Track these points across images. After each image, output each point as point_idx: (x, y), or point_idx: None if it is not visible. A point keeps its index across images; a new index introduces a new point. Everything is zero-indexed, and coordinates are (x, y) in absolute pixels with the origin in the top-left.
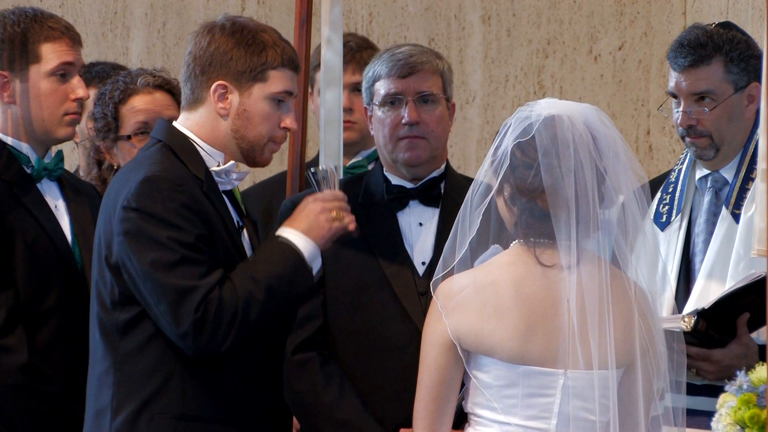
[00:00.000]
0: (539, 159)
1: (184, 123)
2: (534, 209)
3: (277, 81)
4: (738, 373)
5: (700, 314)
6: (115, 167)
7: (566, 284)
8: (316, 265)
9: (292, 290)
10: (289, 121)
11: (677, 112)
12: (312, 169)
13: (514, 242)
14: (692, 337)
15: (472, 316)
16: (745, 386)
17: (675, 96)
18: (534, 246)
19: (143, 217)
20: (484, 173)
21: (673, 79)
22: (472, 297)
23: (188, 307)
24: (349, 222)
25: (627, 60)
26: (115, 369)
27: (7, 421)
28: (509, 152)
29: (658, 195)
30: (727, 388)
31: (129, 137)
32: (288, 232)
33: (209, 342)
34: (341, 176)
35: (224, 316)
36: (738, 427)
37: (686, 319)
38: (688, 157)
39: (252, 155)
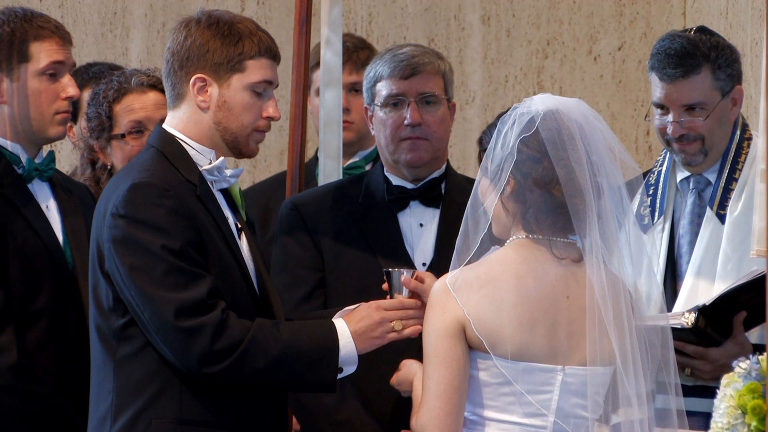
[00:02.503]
0: (548, 151)
1: (171, 123)
2: (548, 201)
3: (256, 71)
4: (750, 356)
5: (701, 311)
6: (109, 167)
7: (575, 278)
8: (348, 368)
9: (307, 372)
10: (271, 110)
11: (667, 122)
12: (388, 270)
13: (511, 238)
14: (691, 334)
15: (482, 310)
16: (753, 373)
17: (662, 106)
18: (549, 241)
19: (130, 224)
20: (488, 172)
21: (660, 90)
22: (482, 290)
23: (172, 317)
24: (411, 333)
25: (627, 60)
26: (114, 375)
27: None
28: (515, 148)
29: (638, 197)
30: (735, 367)
31: (123, 136)
32: (340, 324)
33: (200, 359)
34: (340, 176)
35: (221, 340)
36: (739, 412)
37: (686, 316)
38: (667, 159)
39: (237, 147)
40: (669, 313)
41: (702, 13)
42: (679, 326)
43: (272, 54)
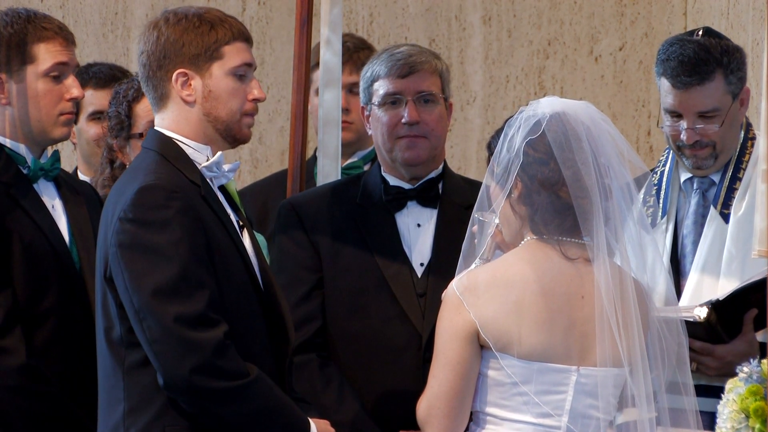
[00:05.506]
0: (555, 153)
1: (162, 124)
2: (555, 203)
3: (234, 55)
4: (750, 360)
5: (714, 305)
6: (127, 166)
7: (589, 278)
8: None
9: None
10: (256, 92)
11: (680, 128)
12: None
13: (525, 239)
14: (700, 329)
15: (492, 311)
16: (755, 376)
17: (675, 113)
18: (558, 242)
19: (139, 228)
20: (495, 176)
21: (674, 97)
22: (493, 292)
23: (175, 325)
24: None
25: (628, 61)
26: (124, 383)
27: (6, 423)
28: (521, 151)
29: (641, 197)
30: (738, 372)
31: (141, 135)
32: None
33: (193, 368)
34: (338, 176)
35: (224, 360)
36: (743, 416)
37: (698, 310)
38: (670, 159)
39: (231, 134)
40: (681, 306)
41: (703, 13)
42: (691, 319)
43: (245, 37)
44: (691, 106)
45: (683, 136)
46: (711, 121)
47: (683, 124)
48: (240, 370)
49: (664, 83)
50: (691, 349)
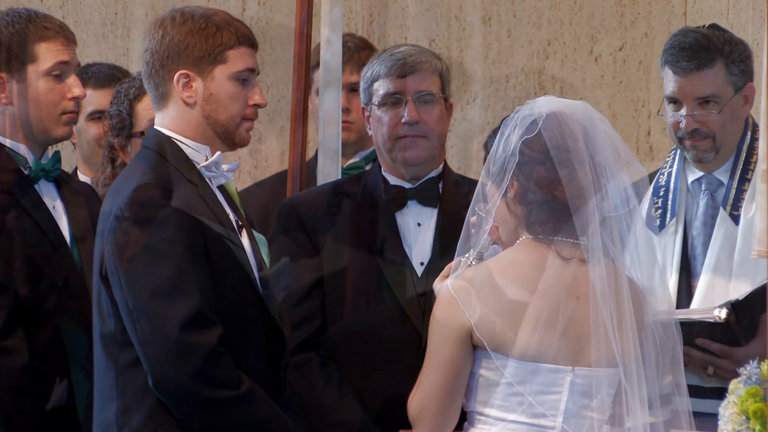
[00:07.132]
0: (551, 153)
1: (162, 123)
2: (550, 202)
3: (237, 60)
4: (750, 362)
5: (734, 305)
6: None
7: (584, 278)
8: None
9: None
10: (257, 98)
11: (680, 116)
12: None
13: (520, 239)
14: (719, 330)
15: (486, 311)
16: (753, 378)
17: (675, 100)
18: (553, 241)
19: (135, 226)
20: (491, 175)
21: (674, 83)
22: (488, 291)
23: (175, 329)
24: None
25: (628, 61)
26: (118, 382)
27: (9, 423)
28: (517, 150)
29: (649, 199)
30: (740, 373)
31: (142, 134)
32: None
33: (194, 374)
34: (339, 176)
35: (217, 368)
36: (743, 417)
37: (718, 311)
38: (677, 160)
39: (230, 137)
40: (698, 308)
41: (703, 13)
42: (711, 320)
43: (251, 42)
44: (690, 91)
45: (682, 125)
46: (709, 107)
47: (683, 112)
48: (232, 380)
49: (667, 72)
50: (708, 352)
